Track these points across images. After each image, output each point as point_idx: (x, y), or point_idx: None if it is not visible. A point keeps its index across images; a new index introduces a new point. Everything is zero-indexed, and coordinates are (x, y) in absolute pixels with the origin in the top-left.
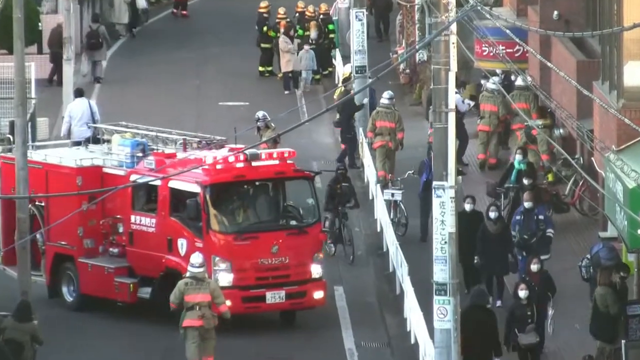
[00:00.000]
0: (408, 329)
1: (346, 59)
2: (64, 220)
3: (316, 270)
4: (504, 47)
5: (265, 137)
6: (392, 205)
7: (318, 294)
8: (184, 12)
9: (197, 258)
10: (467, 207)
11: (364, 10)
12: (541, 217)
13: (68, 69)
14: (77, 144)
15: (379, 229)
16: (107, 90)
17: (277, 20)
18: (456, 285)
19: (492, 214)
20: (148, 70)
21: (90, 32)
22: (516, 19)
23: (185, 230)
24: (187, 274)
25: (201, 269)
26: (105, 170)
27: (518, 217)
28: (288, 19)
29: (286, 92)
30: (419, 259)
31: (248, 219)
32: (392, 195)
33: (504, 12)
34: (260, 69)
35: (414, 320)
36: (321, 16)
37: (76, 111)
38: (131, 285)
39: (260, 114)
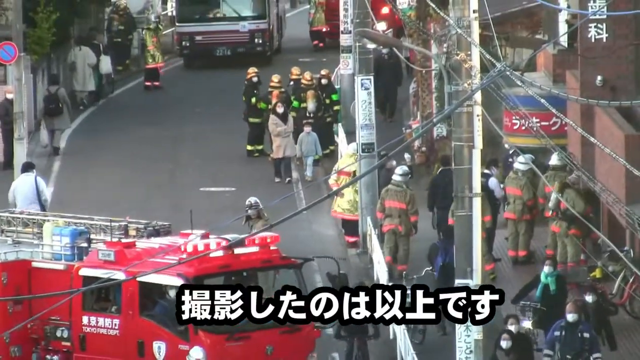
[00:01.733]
0: None
1: (350, 135)
2: None
3: None
4: (538, 120)
5: (255, 228)
6: None
7: None
8: (156, 83)
9: (198, 352)
10: (512, 328)
11: (371, 78)
12: (586, 335)
13: (20, 150)
14: None
15: (391, 336)
16: (64, 174)
17: (269, 90)
18: None
19: (504, 343)
20: (113, 151)
21: (49, 96)
22: (552, 86)
23: (162, 332)
24: None
25: None
26: (36, 264)
27: (557, 333)
28: (282, 89)
29: (277, 180)
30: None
31: None
32: None
33: (538, 78)
34: (249, 147)
35: None
36: (323, 81)
37: (20, 189)
38: None
39: (252, 199)
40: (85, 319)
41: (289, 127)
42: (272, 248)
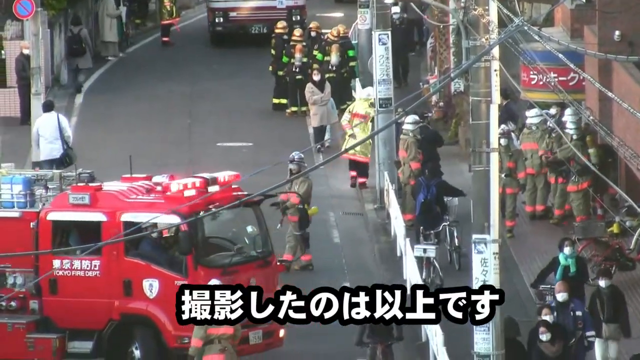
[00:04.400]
0: None
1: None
2: None
3: None
4: (555, 75)
5: (296, 183)
6: (424, 263)
7: (282, 332)
8: (166, 38)
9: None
10: (548, 318)
11: (389, 33)
12: (579, 313)
13: (37, 105)
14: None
15: (409, 293)
16: (80, 130)
17: (291, 44)
18: (501, 356)
19: (544, 336)
20: (130, 107)
21: (72, 37)
22: (570, 41)
23: (153, 270)
24: None
25: None
26: None
27: None
28: (304, 43)
29: (320, 150)
30: (457, 326)
31: (226, 251)
32: (424, 251)
33: (556, 33)
34: (275, 101)
35: None
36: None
37: (44, 127)
38: (56, 340)
39: (296, 154)
40: (56, 263)
41: (326, 95)
42: (233, 187)
